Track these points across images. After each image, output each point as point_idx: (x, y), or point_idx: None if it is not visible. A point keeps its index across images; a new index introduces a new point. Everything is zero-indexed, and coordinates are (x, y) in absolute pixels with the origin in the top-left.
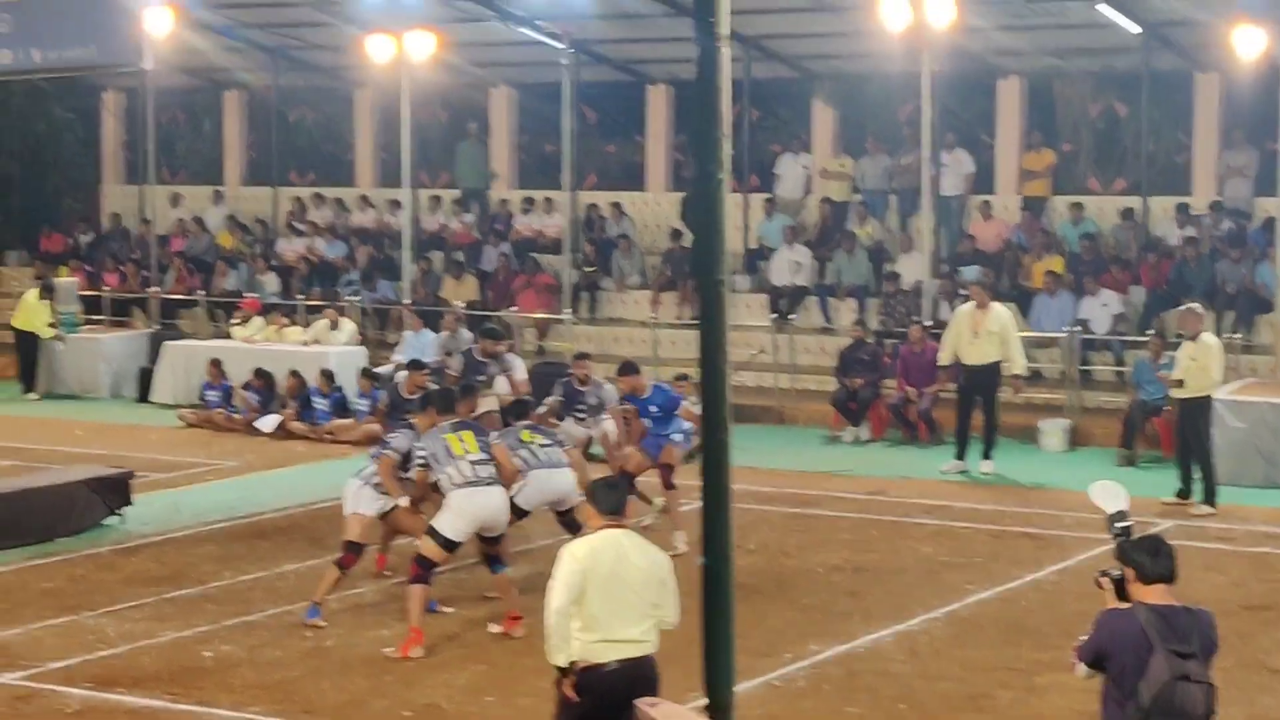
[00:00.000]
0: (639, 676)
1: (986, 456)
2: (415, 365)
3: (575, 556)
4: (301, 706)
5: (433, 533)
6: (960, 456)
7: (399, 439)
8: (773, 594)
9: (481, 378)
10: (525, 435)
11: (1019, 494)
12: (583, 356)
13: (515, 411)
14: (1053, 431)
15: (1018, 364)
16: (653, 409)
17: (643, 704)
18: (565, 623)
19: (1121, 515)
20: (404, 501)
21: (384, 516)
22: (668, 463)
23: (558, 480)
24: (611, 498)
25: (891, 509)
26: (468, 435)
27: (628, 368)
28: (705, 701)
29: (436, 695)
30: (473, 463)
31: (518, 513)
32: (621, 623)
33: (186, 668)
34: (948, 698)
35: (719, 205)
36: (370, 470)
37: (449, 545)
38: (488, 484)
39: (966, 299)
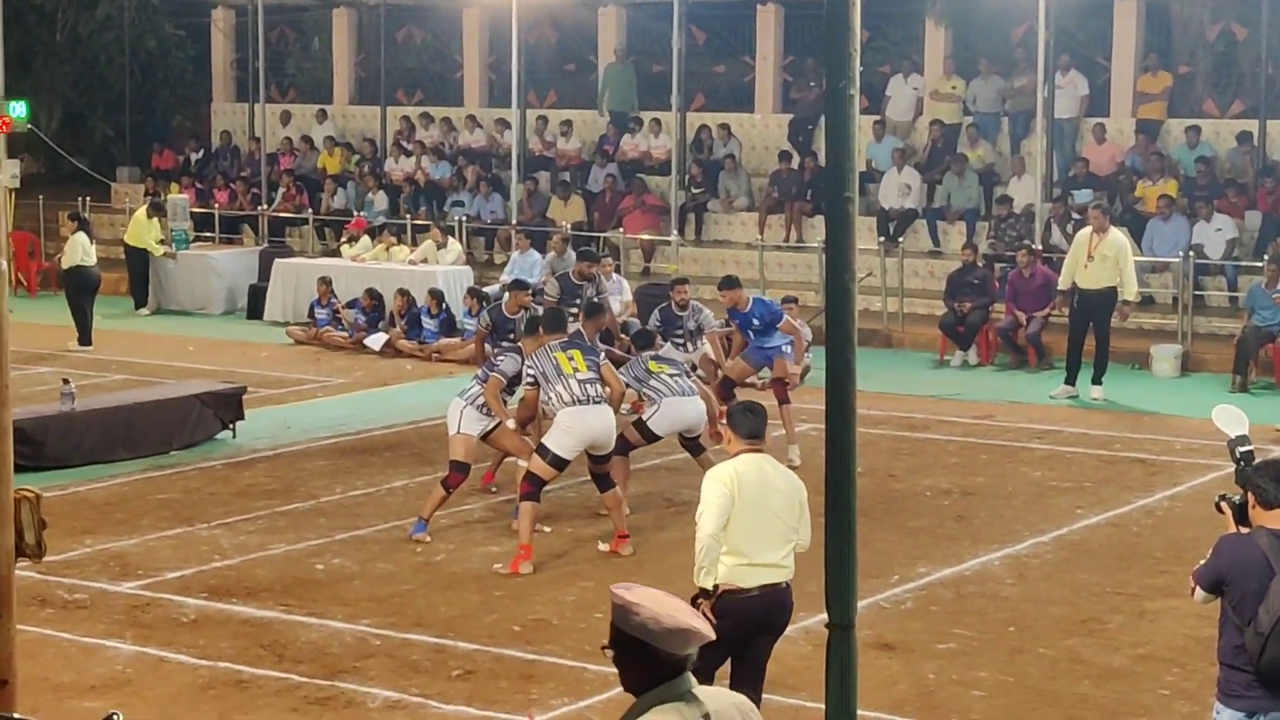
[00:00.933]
0: (776, 604)
1: (1096, 382)
2: (519, 285)
3: (721, 480)
4: (413, 620)
5: (543, 450)
6: (1070, 381)
7: (507, 362)
8: (880, 517)
9: (578, 300)
10: (653, 366)
11: (1130, 419)
12: (681, 281)
13: (641, 342)
14: (1164, 357)
15: (1129, 290)
16: (755, 322)
17: (617, 588)
18: (717, 546)
19: (1244, 440)
20: (510, 422)
21: (485, 437)
22: (780, 377)
23: (689, 408)
24: (751, 422)
25: (1000, 433)
26: (577, 354)
27: (729, 281)
28: (824, 618)
29: (546, 611)
30: (581, 381)
31: (649, 436)
32: (764, 547)
33: (299, 579)
34: (1057, 621)
35: (850, 121)
36: (474, 391)
37: (558, 463)
38: (596, 403)
39: (1081, 223)
